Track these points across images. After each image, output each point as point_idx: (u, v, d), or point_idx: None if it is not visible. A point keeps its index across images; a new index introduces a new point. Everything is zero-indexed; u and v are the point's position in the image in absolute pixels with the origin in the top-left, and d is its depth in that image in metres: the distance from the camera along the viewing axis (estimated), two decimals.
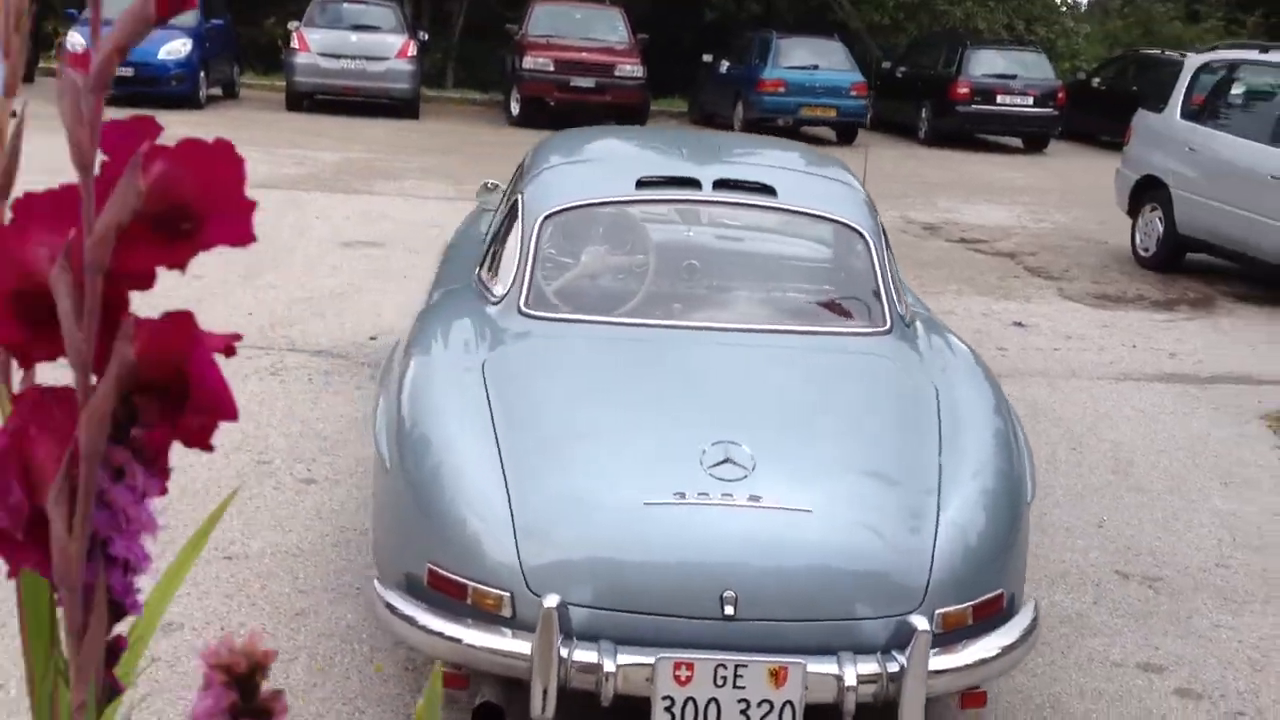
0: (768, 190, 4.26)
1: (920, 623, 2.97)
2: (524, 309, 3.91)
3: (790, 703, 2.94)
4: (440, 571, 3.13)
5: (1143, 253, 10.95)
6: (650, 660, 2.91)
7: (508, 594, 3.04)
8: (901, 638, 2.99)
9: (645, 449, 3.35)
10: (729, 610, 2.97)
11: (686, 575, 3.04)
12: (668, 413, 3.52)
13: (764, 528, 3.10)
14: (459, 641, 3.03)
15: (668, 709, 2.92)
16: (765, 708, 2.93)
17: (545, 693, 2.89)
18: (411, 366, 3.75)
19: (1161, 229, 10.68)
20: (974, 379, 3.89)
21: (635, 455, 3.32)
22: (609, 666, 2.91)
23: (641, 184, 4.26)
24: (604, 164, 4.73)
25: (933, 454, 3.41)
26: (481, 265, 4.38)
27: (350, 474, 4.76)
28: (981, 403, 3.74)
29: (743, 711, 2.93)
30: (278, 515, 4.43)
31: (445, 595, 3.11)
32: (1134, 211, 11.13)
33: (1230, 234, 9.87)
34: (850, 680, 2.95)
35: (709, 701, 2.92)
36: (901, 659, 2.96)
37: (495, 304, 3.99)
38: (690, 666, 2.91)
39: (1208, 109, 10.64)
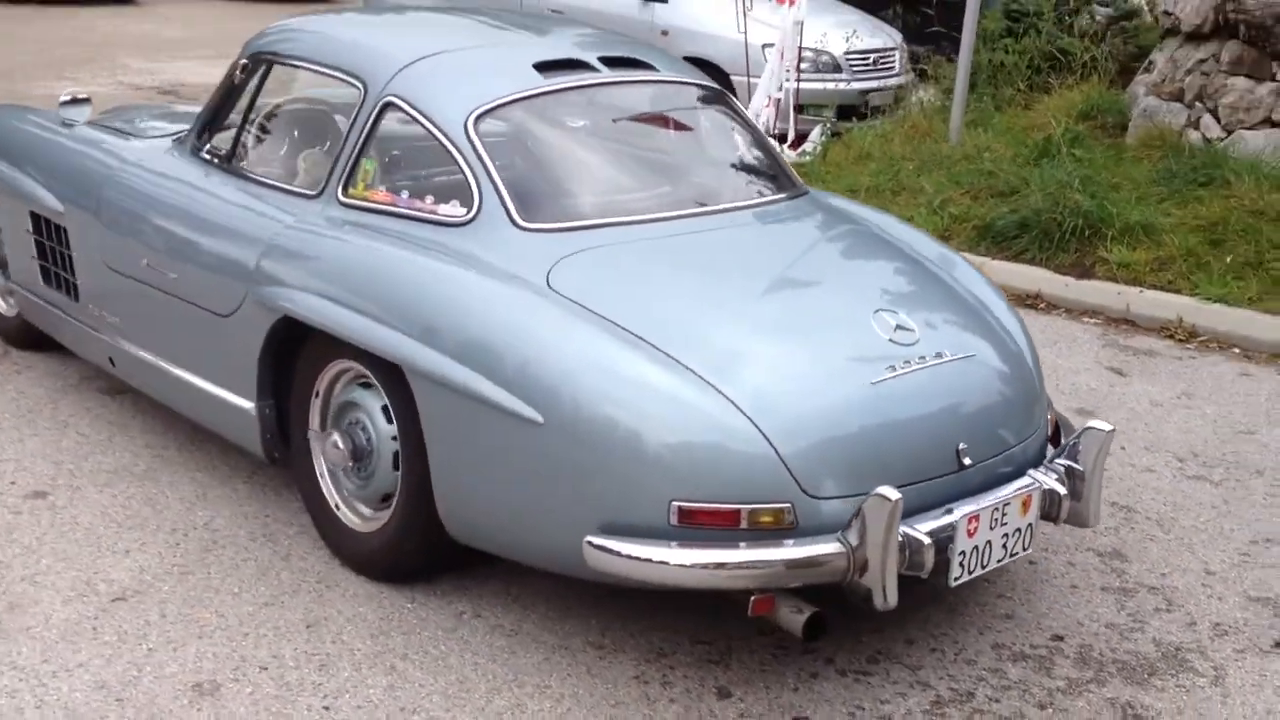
0: (649, 66, 4.35)
1: (1101, 425, 3.59)
2: (524, 224, 3.65)
3: (1030, 525, 3.51)
4: (694, 505, 3.15)
5: None
6: (953, 520, 3.29)
7: (788, 504, 3.16)
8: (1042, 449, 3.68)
9: (824, 333, 3.55)
10: (966, 461, 3.43)
11: (929, 439, 3.42)
12: (790, 296, 3.74)
13: (962, 378, 3.58)
14: (771, 564, 3.12)
15: (961, 562, 3.34)
16: (1015, 536, 3.48)
17: (886, 583, 3.14)
18: (449, 316, 3.46)
19: None
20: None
21: (822, 340, 3.51)
22: (925, 539, 3.20)
23: (540, 69, 4.08)
24: (484, 50, 4.34)
25: (953, 284, 4.02)
26: (345, 184, 3.95)
27: None
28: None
29: (1002, 545, 3.45)
30: None
31: (707, 526, 3.16)
32: None
33: None
34: (1063, 490, 3.54)
35: (985, 544, 3.39)
36: (1073, 464, 3.56)
37: (461, 226, 3.69)
38: (976, 518, 3.35)
39: None
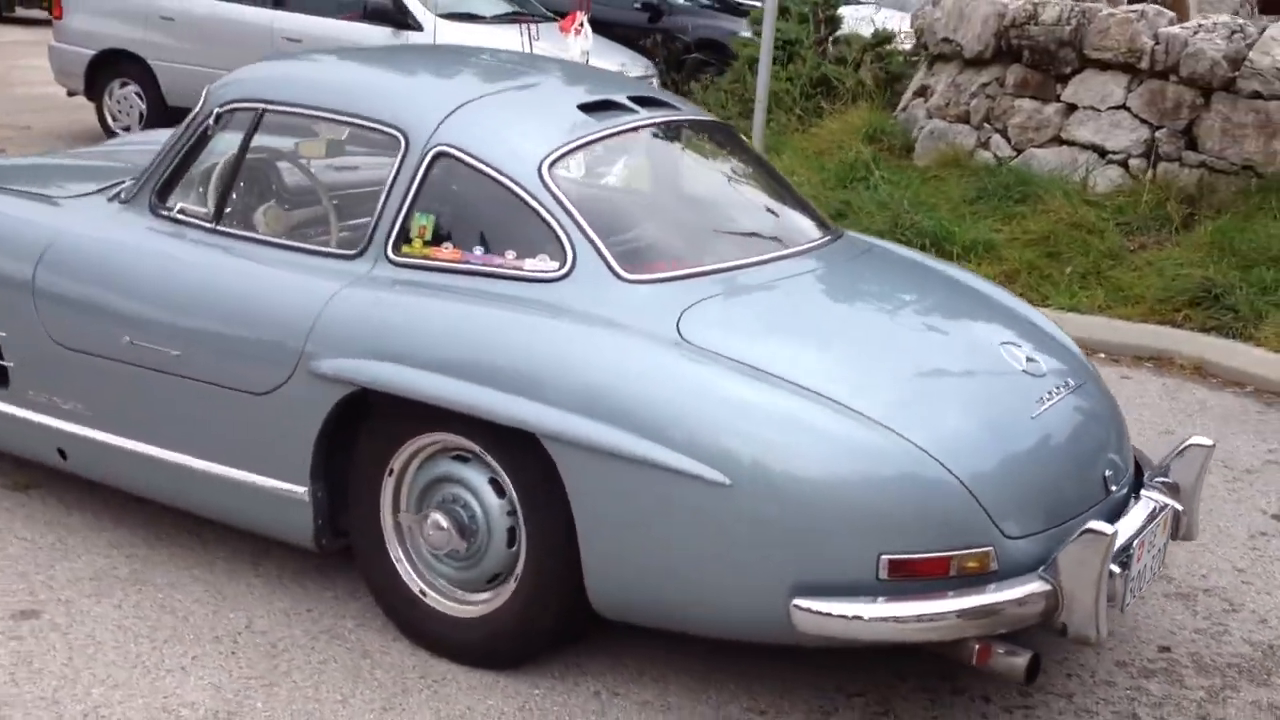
0: (671, 106, 4.28)
1: (1202, 440, 3.77)
2: (626, 276, 3.48)
3: (1165, 544, 3.68)
4: (905, 557, 3.11)
5: (122, 131, 10.84)
6: (1128, 547, 3.34)
7: (990, 548, 3.16)
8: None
9: (971, 369, 3.60)
10: (1112, 487, 3.55)
11: (1083, 467, 3.53)
12: (917, 334, 3.74)
13: (1088, 404, 3.71)
14: (989, 609, 3.12)
15: (1131, 588, 3.38)
16: (1157, 557, 3.62)
17: (1099, 618, 3.17)
18: (586, 379, 3.28)
19: (144, 104, 10.93)
20: None
21: (974, 377, 3.57)
22: (1117, 570, 3.26)
23: (585, 110, 3.92)
24: (519, 92, 4.10)
25: (1024, 314, 4.15)
26: (396, 242, 3.68)
27: None
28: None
29: (1150, 567, 3.57)
30: None
31: (918, 577, 3.13)
32: (97, 90, 11.13)
33: None
34: (1181, 507, 3.68)
35: (1145, 568, 3.52)
36: (1175, 480, 3.70)
37: (554, 281, 3.50)
38: (1142, 543, 3.45)
39: None
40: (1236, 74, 7.82)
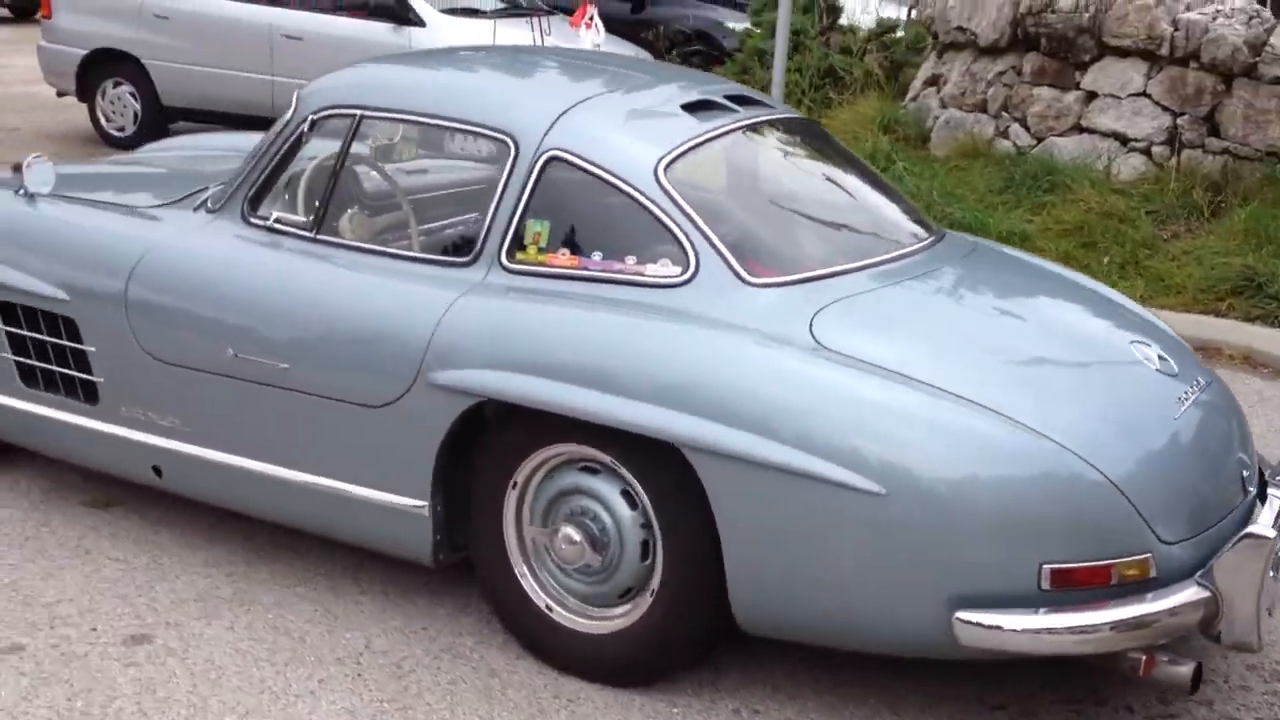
0: (764, 104, 4.25)
1: None
2: (751, 279, 3.43)
3: None
4: (1067, 567, 3.07)
5: (116, 132, 10.83)
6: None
7: (1148, 554, 3.12)
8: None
9: (1109, 369, 3.55)
10: (1250, 489, 3.53)
11: (1224, 468, 3.51)
12: (1051, 333, 3.71)
13: (1219, 403, 3.68)
14: (1154, 618, 3.09)
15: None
16: None
17: (1260, 624, 3.14)
18: (726, 386, 3.22)
19: (139, 104, 10.73)
20: None
21: (1114, 377, 3.52)
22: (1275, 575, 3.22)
23: (688, 110, 3.88)
24: (622, 94, 4.00)
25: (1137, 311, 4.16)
26: (510, 248, 3.60)
27: None
28: None
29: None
30: None
31: (1080, 587, 3.09)
32: (88, 90, 10.90)
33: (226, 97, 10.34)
34: None
35: None
36: None
37: (676, 287, 3.43)
38: None
39: None
40: (1258, 59, 7.85)
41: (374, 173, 4.17)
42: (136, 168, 5.04)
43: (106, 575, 4.02)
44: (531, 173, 3.64)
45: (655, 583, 3.42)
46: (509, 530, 3.60)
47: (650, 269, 3.52)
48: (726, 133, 3.87)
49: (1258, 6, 8.25)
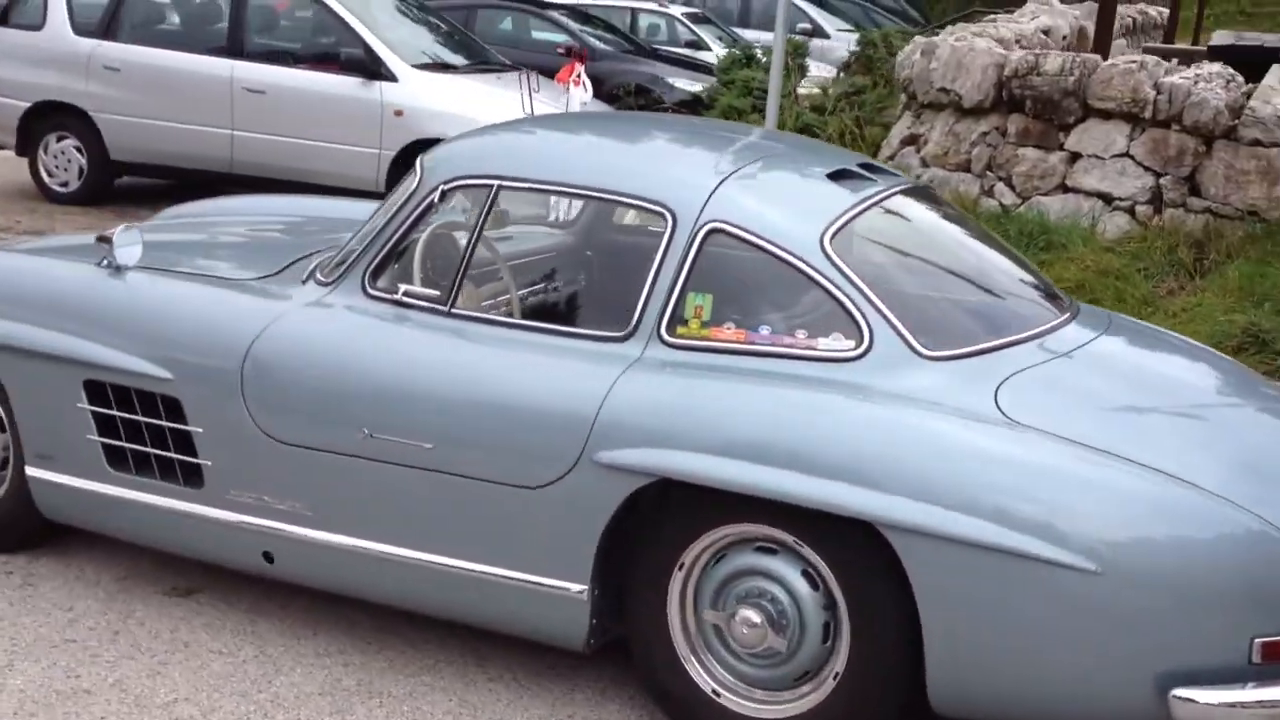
0: (890, 172, 4.23)
1: None
2: (928, 353, 3.40)
3: None
4: (1276, 639, 3.06)
5: (59, 188, 10.46)
6: None
7: None
8: None
9: (1266, 435, 3.60)
10: None
11: None
12: (1213, 407, 3.76)
13: None
14: None
15: None
16: None
17: None
18: (927, 464, 3.18)
19: (84, 158, 10.36)
20: None
21: (1271, 445, 3.52)
22: None
23: (833, 179, 3.86)
24: (767, 162, 3.95)
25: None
26: (670, 322, 3.52)
27: None
28: None
29: None
30: None
31: None
32: (30, 144, 10.44)
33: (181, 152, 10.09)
34: None
35: None
36: None
37: (850, 361, 3.39)
38: None
39: (114, 25, 10.30)
40: (1237, 122, 8.07)
41: (507, 245, 4.05)
42: (206, 236, 4.83)
43: (215, 670, 3.81)
44: (691, 245, 3.56)
45: (839, 665, 3.34)
46: (673, 614, 3.49)
47: (822, 343, 3.46)
48: (877, 202, 3.83)
49: (1232, 71, 8.49)
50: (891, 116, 10.55)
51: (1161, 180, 8.27)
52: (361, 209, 5.78)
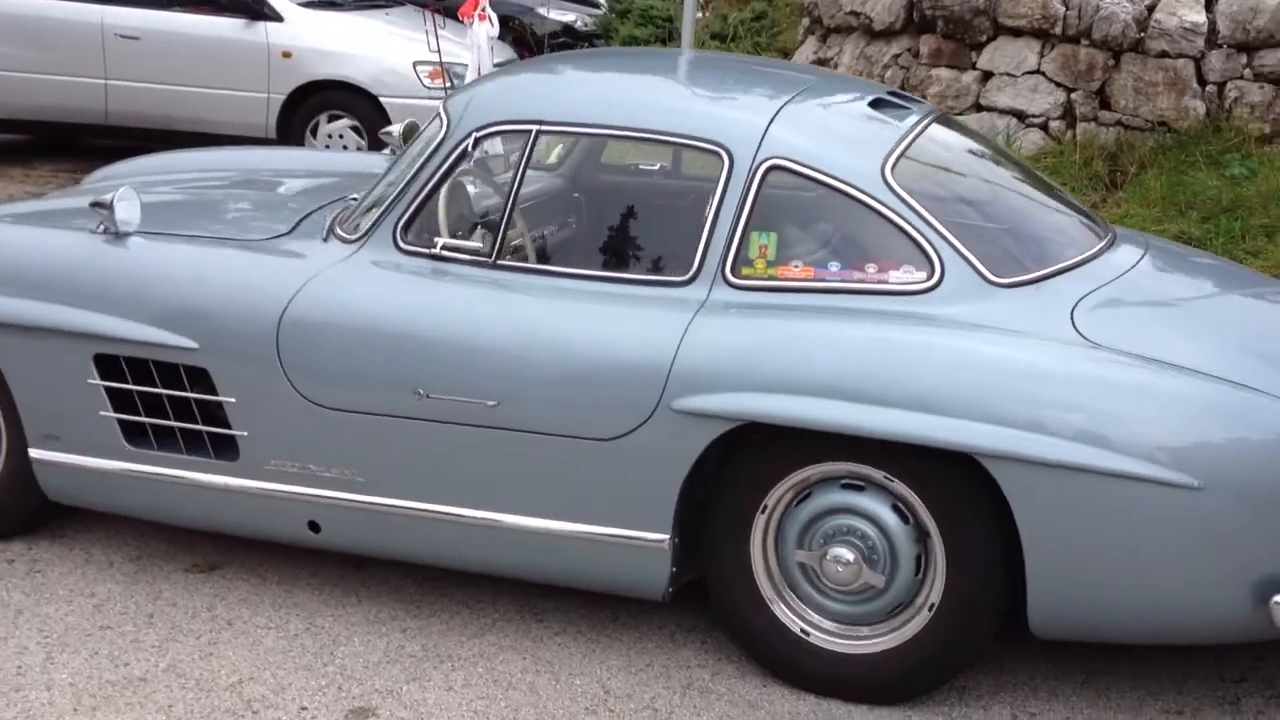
0: (917, 100, 4.24)
1: None
2: (998, 280, 3.42)
3: None
4: None
5: None
6: None
7: None
8: None
9: None
10: None
11: None
12: (1254, 315, 3.82)
13: None
14: None
15: None
16: None
17: None
18: (1014, 391, 3.22)
19: None
20: None
21: None
22: None
23: (874, 107, 3.88)
24: (809, 95, 3.89)
25: None
26: (734, 263, 3.48)
27: None
28: None
29: None
30: None
31: None
32: None
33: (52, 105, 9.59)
34: None
35: None
36: None
37: (923, 293, 3.39)
38: None
39: None
40: (1143, 34, 8.28)
41: (546, 191, 3.94)
42: (190, 195, 4.59)
43: (270, 646, 3.69)
44: (751, 183, 3.52)
45: (933, 596, 3.37)
46: (756, 556, 3.49)
47: (894, 276, 3.46)
48: (921, 131, 3.83)
49: None
50: (786, 41, 10.57)
51: (1073, 95, 8.44)
52: (322, 159, 5.63)
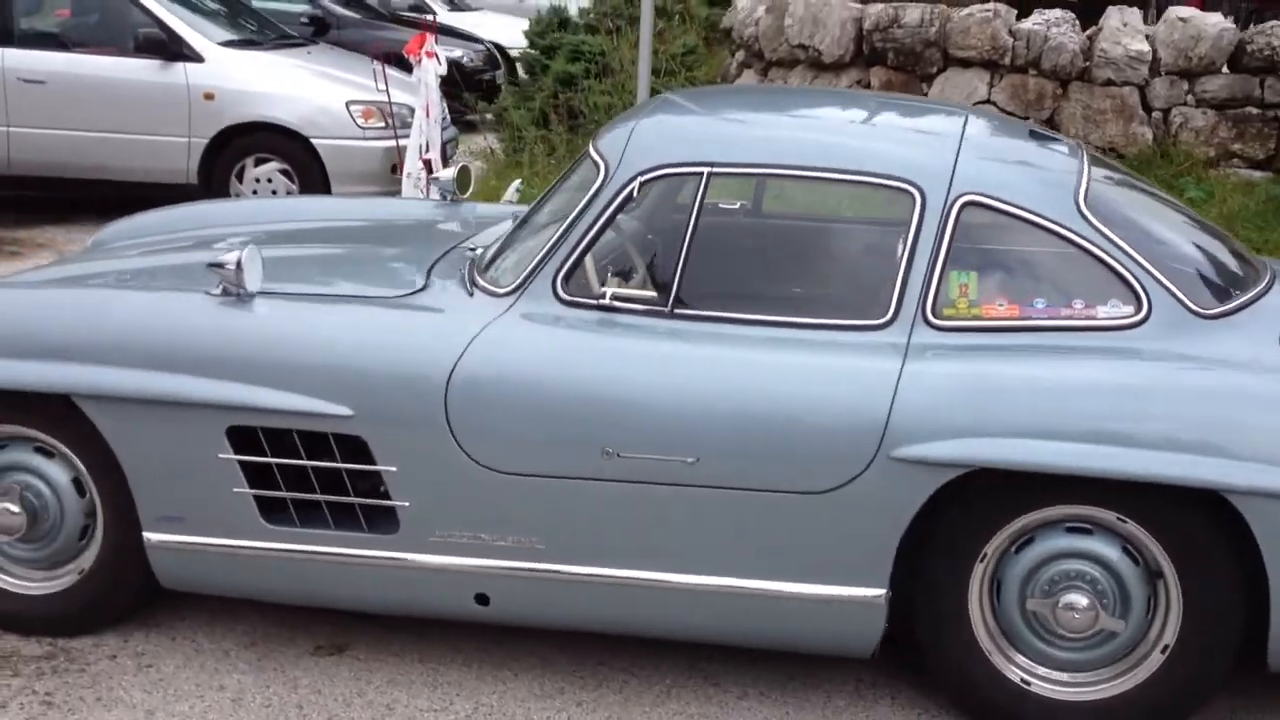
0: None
1: None
2: (1204, 311, 3.42)
3: None
4: None
5: None
6: None
7: None
8: None
9: None
10: None
11: None
12: None
13: None
14: None
15: None
16: None
17: None
18: (1250, 424, 3.21)
19: None
20: None
21: None
22: None
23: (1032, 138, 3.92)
24: (977, 127, 3.89)
25: None
26: (934, 304, 3.43)
27: None
28: None
29: None
30: None
31: None
32: None
33: None
34: None
35: None
36: None
37: (1131, 328, 3.37)
38: None
39: None
40: (1089, 64, 8.52)
41: (715, 236, 3.78)
42: (284, 252, 4.27)
43: None
44: (946, 221, 3.45)
45: (1168, 638, 3.33)
46: (974, 606, 3.40)
47: (1101, 311, 3.42)
48: (1090, 163, 3.82)
49: (1073, 15, 8.93)
50: (708, 74, 10.58)
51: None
52: (355, 206, 5.35)
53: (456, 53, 13.61)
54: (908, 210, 3.47)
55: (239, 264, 3.59)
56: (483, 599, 3.56)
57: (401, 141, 8.71)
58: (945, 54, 8.72)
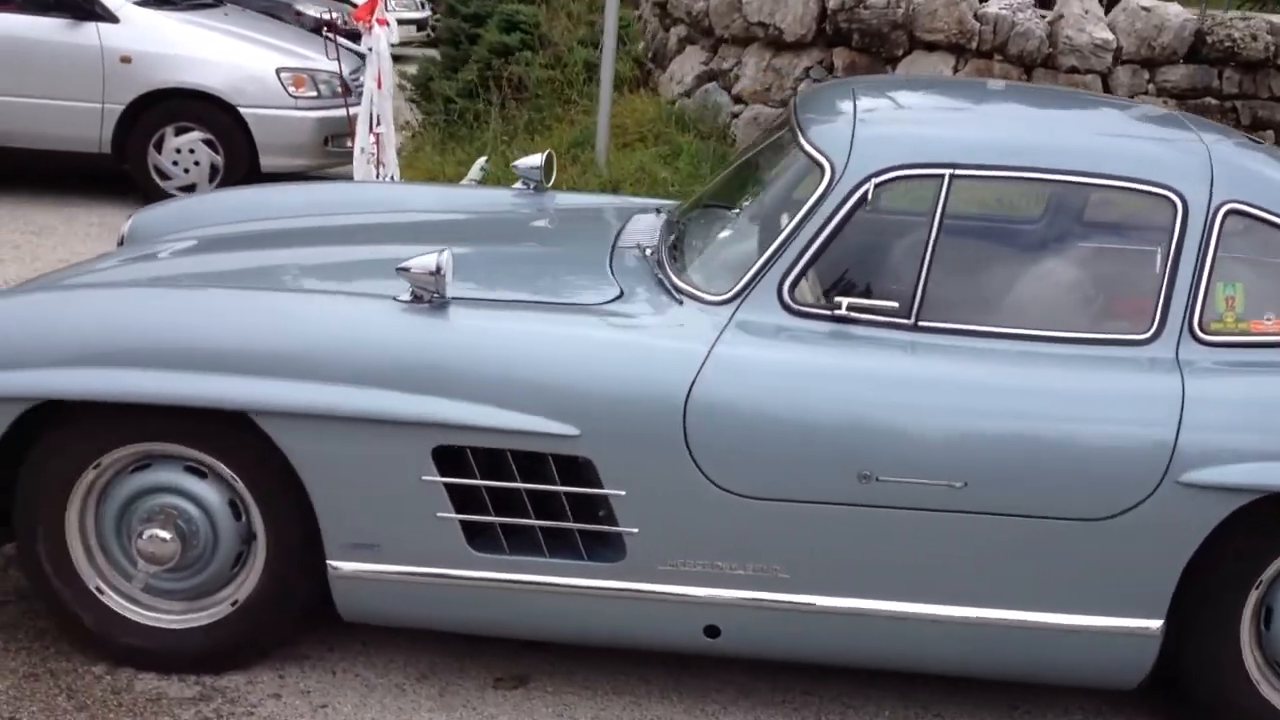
0: None
1: None
2: None
3: None
4: None
5: None
6: None
7: None
8: None
9: None
10: None
11: None
12: None
13: None
14: None
15: None
16: None
17: None
18: None
19: None
20: None
21: None
22: None
23: None
24: (1196, 130, 3.68)
25: None
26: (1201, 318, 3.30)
27: None
28: None
29: None
30: None
31: None
32: None
33: None
34: None
35: None
36: None
37: None
38: None
39: None
40: (1053, 50, 8.58)
41: (959, 241, 3.57)
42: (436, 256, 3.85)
43: None
44: (1210, 230, 3.32)
45: None
46: (1245, 635, 3.30)
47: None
48: None
49: (1030, 0, 8.99)
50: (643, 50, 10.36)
51: None
52: (433, 196, 4.94)
53: (333, 15, 13.07)
54: (1167, 217, 3.32)
55: (438, 268, 3.25)
56: (713, 631, 3.31)
57: (353, 110, 8.23)
58: (911, 36, 8.65)
